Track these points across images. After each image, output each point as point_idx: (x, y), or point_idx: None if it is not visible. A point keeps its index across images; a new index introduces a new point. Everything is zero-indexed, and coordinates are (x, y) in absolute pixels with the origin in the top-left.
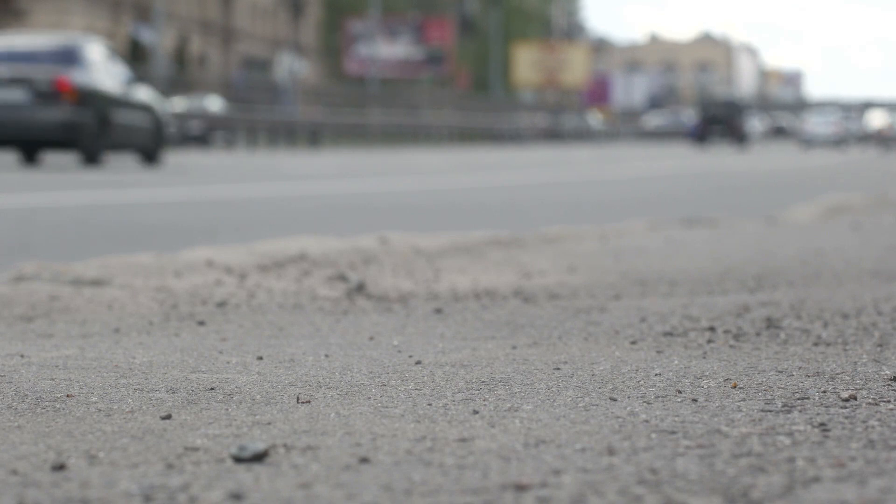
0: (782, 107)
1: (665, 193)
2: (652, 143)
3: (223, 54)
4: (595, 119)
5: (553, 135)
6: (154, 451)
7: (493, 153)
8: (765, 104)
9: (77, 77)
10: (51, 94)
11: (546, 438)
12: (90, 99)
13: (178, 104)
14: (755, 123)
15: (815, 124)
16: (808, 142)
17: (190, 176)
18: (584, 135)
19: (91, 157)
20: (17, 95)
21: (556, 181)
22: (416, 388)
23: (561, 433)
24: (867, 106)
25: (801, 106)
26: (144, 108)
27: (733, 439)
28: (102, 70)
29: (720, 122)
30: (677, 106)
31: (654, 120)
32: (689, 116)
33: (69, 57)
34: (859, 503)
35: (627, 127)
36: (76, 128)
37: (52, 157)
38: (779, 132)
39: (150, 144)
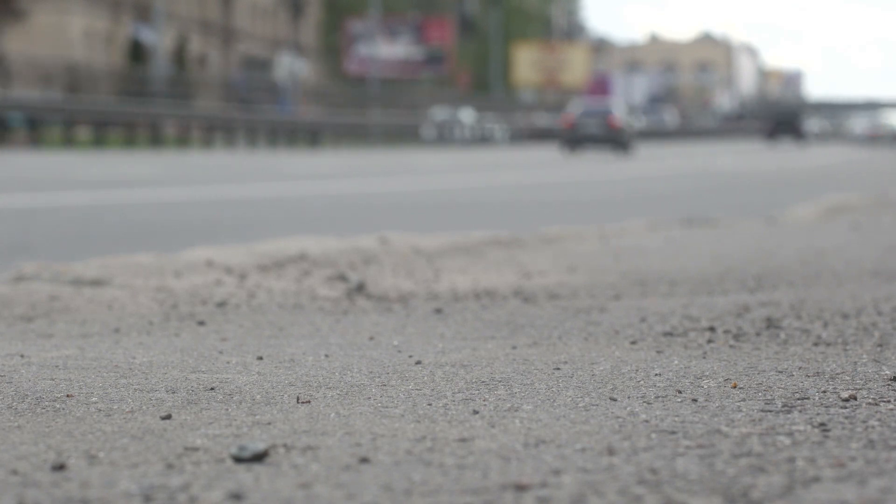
0: (834, 108)
1: (665, 193)
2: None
3: (223, 54)
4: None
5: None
6: (154, 451)
7: (493, 153)
8: (816, 108)
9: (614, 119)
10: (607, 125)
11: (546, 438)
12: (619, 128)
13: None
14: (810, 125)
15: (865, 127)
16: (861, 140)
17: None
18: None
19: (619, 151)
20: (598, 128)
21: (557, 181)
22: (416, 388)
23: (561, 433)
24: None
25: (847, 108)
26: (629, 128)
27: (733, 439)
28: (622, 113)
29: (786, 123)
30: (458, 103)
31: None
32: (464, 113)
33: (610, 109)
34: (859, 503)
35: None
36: (616, 139)
37: (589, 153)
38: (816, 136)
39: (628, 144)
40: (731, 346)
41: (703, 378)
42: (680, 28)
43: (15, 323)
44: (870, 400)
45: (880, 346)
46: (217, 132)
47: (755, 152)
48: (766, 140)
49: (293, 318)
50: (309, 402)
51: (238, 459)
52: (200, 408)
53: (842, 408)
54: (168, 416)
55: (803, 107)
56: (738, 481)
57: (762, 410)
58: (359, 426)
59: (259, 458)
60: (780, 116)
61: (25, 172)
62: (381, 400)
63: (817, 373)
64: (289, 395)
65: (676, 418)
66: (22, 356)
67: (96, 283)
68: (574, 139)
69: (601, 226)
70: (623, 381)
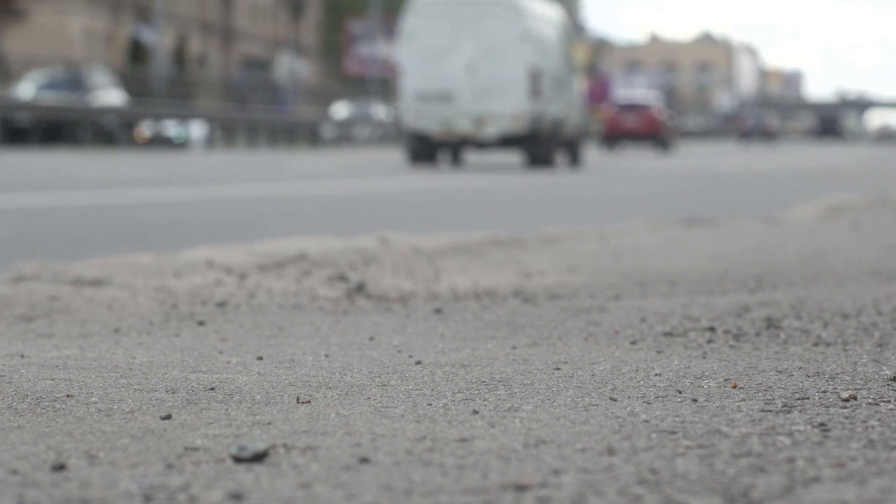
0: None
1: (665, 193)
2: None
3: (223, 54)
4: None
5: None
6: (154, 451)
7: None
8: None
9: (770, 125)
10: (764, 129)
11: (546, 438)
12: (773, 132)
13: None
14: (847, 125)
15: (872, 127)
16: (869, 139)
17: None
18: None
19: (770, 143)
20: (760, 131)
21: (556, 181)
22: (416, 388)
23: (561, 433)
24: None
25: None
26: (777, 131)
27: (733, 439)
28: (775, 120)
29: (829, 124)
30: (367, 97)
31: (341, 111)
32: (375, 108)
33: (765, 119)
34: (859, 503)
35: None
36: (771, 136)
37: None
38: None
39: (776, 137)
40: (731, 346)
41: (703, 378)
42: (680, 28)
43: (15, 323)
44: (870, 400)
45: (880, 346)
46: (217, 132)
47: (759, 153)
48: (814, 138)
49: (293, 318)
50: (309, 402)
51: (238, 459)
52: (200, 408)
53: (842, 408)
54: (168, 416)
55: (841, 110)
56: (738, 481)
57: (762, 410)
58: (359, 426)
59: (259, 458)
60: (824, 119)
61: (25, 172)
62: (381, 400)
63: (817, 373)
64: (289, 395)
65: (676, 418)
66: (22, 356)
67: (96, 283)
68: (748, 136)
69: (601, 226)
70: (623, 381)
